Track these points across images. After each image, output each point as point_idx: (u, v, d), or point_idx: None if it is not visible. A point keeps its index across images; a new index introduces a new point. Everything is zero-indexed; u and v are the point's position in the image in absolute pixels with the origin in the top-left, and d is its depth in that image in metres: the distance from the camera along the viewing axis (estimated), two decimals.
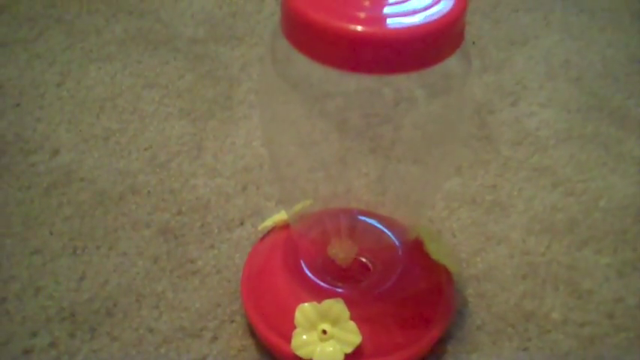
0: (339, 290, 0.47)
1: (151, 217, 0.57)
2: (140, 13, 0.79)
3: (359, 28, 0.35)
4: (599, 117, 0.68)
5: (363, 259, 0.50)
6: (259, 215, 0.58)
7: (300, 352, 0.45)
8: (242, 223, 0.57)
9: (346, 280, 0.48)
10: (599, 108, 0.69)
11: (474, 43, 0.74)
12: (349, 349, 0.44)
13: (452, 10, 0.37)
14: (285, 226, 0.52)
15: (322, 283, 0.47)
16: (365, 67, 0.37)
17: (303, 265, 0.49)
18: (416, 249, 0.50)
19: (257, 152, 0.63)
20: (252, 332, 0.49)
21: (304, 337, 0.45)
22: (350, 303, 0.45)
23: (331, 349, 0.45)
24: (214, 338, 0.49)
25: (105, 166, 0.61)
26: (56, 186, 0.60)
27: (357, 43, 0.36)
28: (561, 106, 0.69)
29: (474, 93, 0.68)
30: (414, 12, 0.36)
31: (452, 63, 0.39)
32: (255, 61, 0.73)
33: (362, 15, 0.36)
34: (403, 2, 0.37)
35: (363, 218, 0.52)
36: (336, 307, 0.45)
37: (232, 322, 0.50)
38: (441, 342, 0.49)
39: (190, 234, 0.56)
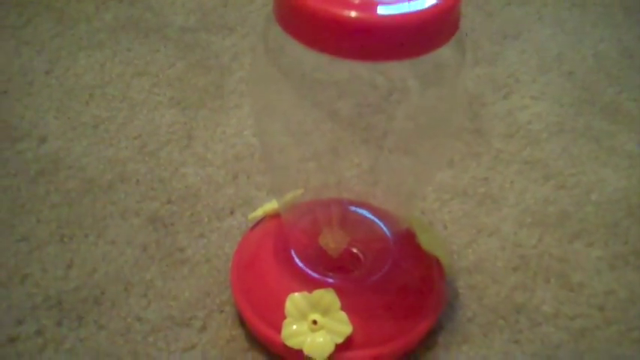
0: (330, 280, 0.46)
1: (140, 206, 0.57)
2: (131, 1, 0.78)
3: (353, 13, 0.35)
4: (591, 111, 0.67)
5: (354, 250, 0.50)
6: (250, 204, 0.57)
7: (290, 342, 0.44)
8: (232, 213, 0.57)
9: (337, 270, 0.48)
10: (591, 102, 0.68)
11: (466, 35, 0.74)
12: (340, 340, 0.44)
13: None
14: (275, 216, 0.52)
15: (313, 273, 0.47)
16: (358, 54, 0.36)
17: (293, 254, 0.48)
18: (407, 240, 0.50)
19: (248, 141, 0.63)
20: (242, 322, 0.49)
21: (294, 327, 0.45)
22: (341, 293, 0.45)
23: (321, 339, 0.44)
24: (203, 328, 0.49)
25: (93, 154, 0.61)
26: (44, 174, 0.59)
27: (350, 29, 0.35)
28: (553, 100, 0.69)
29: (467, 85, 0.68)
30: None
31: (446, 52, 0.39)
32: (246, 51, 0.72)
33: (356, 0, 0.35)
34: None
35: (354, 208, 0.51)
36: (327, 297, 0.45)
37: (222, 311, 0.50)
38: (432, 333, 0.49)
39: (180, 223, 0.56)
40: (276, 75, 0.42)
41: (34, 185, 0.58)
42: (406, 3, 0.36)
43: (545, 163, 0.62)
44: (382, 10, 0.36)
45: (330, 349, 0.44)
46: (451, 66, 0.41)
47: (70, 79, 0.68)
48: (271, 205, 0.52)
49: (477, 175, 0.61)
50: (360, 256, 0.49)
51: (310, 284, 0.46)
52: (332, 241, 0.49)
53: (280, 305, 0.45)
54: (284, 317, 0.45)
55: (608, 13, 0.80)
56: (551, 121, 0.66)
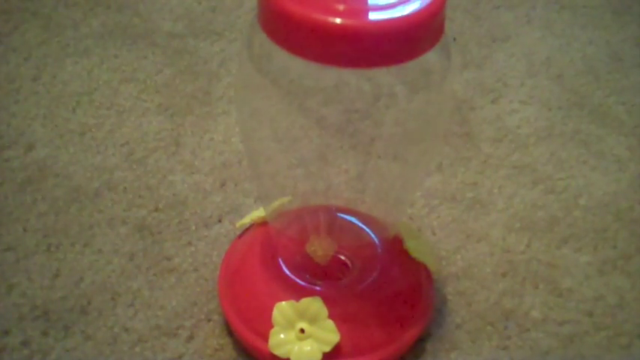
0: (318, 288, 0.46)
1: (127, 214, 0.56)
2: (118, 7, 0.78)
3: (338, 20, 0.35)
4: (580, 114, 0.67)
5: (342, 257, 0.50)
6: (237, 212, 0.57)
7: (277, 351, 0.44)
8: (220, 220, 0.56)
9: (325, 278, 0.47)
10: (580, 105, 0.68)
11: (454, 39, 0.74)
12: (327, 348, 0.44)
13: (431, 3, 0.36)
14: (263, 224, 0.51)
15: (300, 281, 0.47)
16: (344, 61, 0.36)
17: (281, 262, 0.48)
18: (395, 247, 0.49)
19: (236, 148, 0.62)
20: (229, 331, 0.49)
21: (282, 335, 0.45)
22: (328, 301, 0.45)
23: (309, 348, 0.44)
24: (190, 337, 0.49)
25: (80, 161, 0.60)
26: (31, 182, 0.58)
27: (335, 35, 0.35)
28: (542, 104, 0.69)
29: (454, 89, 0.68)
30: (394, 5, 0.36)
31: (432, 58, 0.39)
32: (234, 57, 0.72)
33: (341, 7, 0.35)
34: None
35: (342, 215, 0.51)
36: (314, 305, 0.44)
37: (209, 320, 0.50)
38: (420, 341, 0.48)
39: (167, 231, 0.55)
40: (261, 82, 0.42)
41: (20, 194, 0.58)
42: (391, 9, 0.36)
43: (534, 168, 0.62)
44: (367, 17, 0.36)
45: (317, 357, 0.44)
46: (437, 70, 0.41)
47: (57, 86, 0.68)
48: (259, 213, 0.52)
49: (465, 179, 0.61)
50: (348, 263, 0.49)
51: (297, 292, 0.45)
52: (320, 248, 0.48)
53: (268, 314, 0.45)
54: (271, 326, 0.45)
55: (597, 16, 0.80)
56: (540, 125, 0.66)
